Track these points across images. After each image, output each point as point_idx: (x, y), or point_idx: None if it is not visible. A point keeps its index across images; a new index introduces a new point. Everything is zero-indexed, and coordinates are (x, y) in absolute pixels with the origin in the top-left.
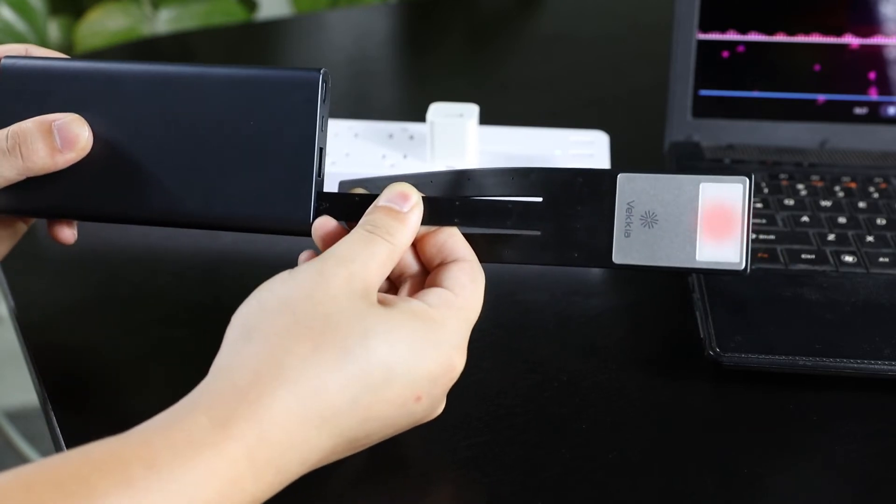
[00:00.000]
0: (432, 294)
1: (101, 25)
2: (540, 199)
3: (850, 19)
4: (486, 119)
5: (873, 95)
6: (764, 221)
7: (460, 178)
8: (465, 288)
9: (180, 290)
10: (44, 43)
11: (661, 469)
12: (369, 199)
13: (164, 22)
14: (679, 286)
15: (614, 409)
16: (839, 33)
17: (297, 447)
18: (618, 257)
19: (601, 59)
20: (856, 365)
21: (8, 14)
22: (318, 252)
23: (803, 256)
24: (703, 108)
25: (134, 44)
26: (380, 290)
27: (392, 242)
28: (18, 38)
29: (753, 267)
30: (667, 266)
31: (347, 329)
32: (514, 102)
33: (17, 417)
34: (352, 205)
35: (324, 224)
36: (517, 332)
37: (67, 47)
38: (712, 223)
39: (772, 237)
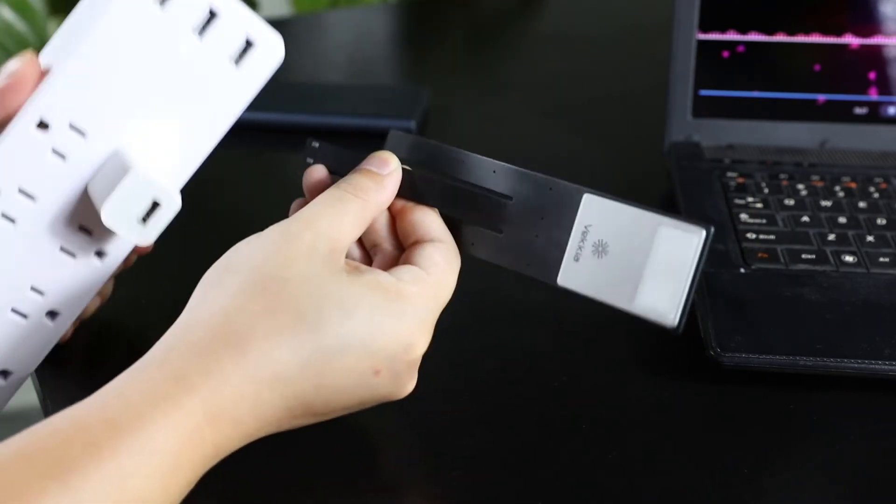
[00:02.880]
0: (403, 270)
1: None
2: (511, 200)
3: (850, 19)
4: (486, 119)
5: (873, 95)
6: (764, 221)
7: (455, 159)
8: (437, 267)
9: (181, 291)
10: (44, 43)
11: (661, 469)
12: (360, 158)
13: None
14: None
15: (614, 409)
16: (839, 33)
17: (249, 401)
18: (562, 279)
19: (601, 59)
20: (856, 365)
21: (8, 14)
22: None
23: (803, 256)
24: (703, 108)
25: None
26: (353, 258)
27: (363, 198)
28: (18, 38)
29: (754, 267)
30: (604, 301)
31: (304, 293)
32: (514, 102)
33: (17, 418)
34: (343, 160)
35: (313, 173)
36: (517, 332)
37: None
38: (658, 271)
39: (772, 237)
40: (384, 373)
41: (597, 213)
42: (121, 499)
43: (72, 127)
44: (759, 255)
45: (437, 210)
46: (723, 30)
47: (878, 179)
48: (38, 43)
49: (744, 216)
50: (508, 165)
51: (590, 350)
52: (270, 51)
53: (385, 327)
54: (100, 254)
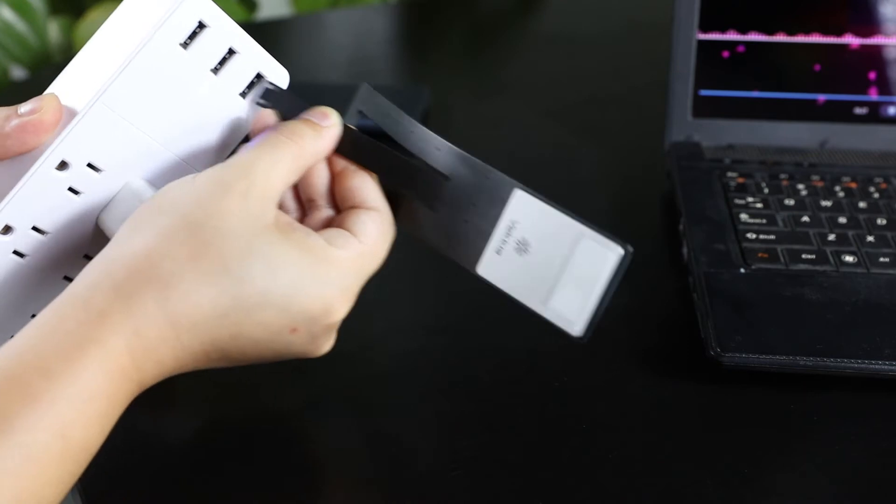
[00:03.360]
0: (335, 233)
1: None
2: (449, 180)
3: (850, 19)
4: (486, 119)
5: (873, 95)
6: (764, 221)
7: (407, 128)
8: (369, 236)
9: None
10: (44, 43)
11: (661, 469)
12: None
13: None
14: (679, 286)
15: (614, 409)
16: (839, 33)
17: (168, 343)
18: (481, 269)
19: (601, 59)
20: (856, 365)
21: (8, 14)
22: None
23: (804, 256)
24: (703, 108)
25: None
26: (288, 210)
27: (299, 144)
28: (18, 38)
29: (754, 267)
30: (517, 300)
31: (231, 245)
32: (514, 102)
33: None
34: (296, 108)
35: (261, 118)
36: (517, 331)
37: (67, 47)
38: (574, 280)
39: (772, 237)
40: (301, 331)
41: (525, 211)
42: (67, 446)
43: (89, 165)
44: (759, 255)
45: (376, 177)
46: (723, 30)
47: (878, 179)
48: (39, 43)
49: (744, 216)
50: (451, 146)
51: (590, 350)
52: (278, 82)
53: (308, 290)
54: None
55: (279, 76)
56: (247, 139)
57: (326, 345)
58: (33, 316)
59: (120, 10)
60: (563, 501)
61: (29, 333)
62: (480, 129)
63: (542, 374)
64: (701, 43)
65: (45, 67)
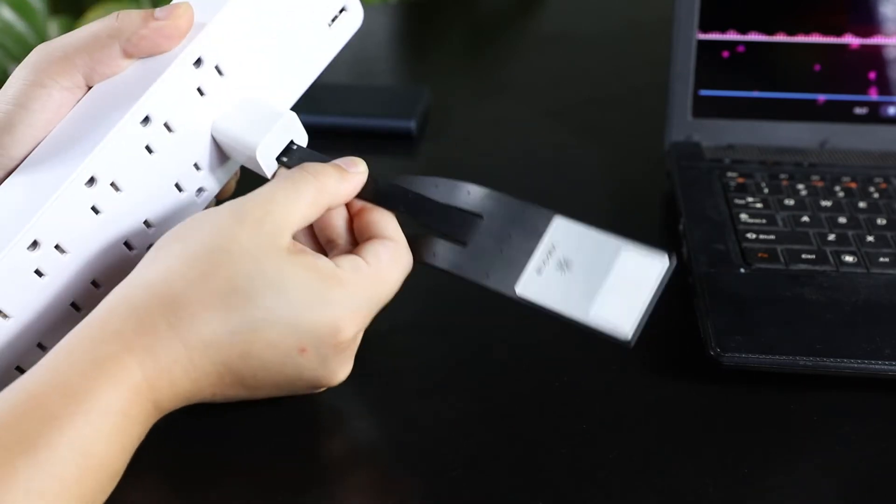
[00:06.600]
0: (345, 259)
1: None
2: (482, 218)
3: (850, 19)
4: (485, 119)
5: (873, 95)
6: (764, 221)
7: (430, 184)
8: (380, 262)
9: None
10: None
11: (661, 469)
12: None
13: None
14: (679, 286)
15: (614, 408)
16: (839, 33)
17: (181, 364)
18: (521, 289)
19: (601, 59)
20: (856, 365)
21: (8, 14)
22: None
23: (803, 256)
24: (703, 108)
25: None
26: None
27: (320, 181)
28: (18, 38)
29: (754, 267)
30: (560, 311)
31: (241, 266)
32: (514, 102)
33: None
34: (314, 160)
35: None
36: (516, 331)
37: None
38: (617, 289)
39: (772, 237)
40: (310, 353)
41: (565, 235)
42: (87, 464)
43: (216, 68)
44: (759, 255)
45: (393, 214)
46: (723, 30)
47: (878, 179)
48: (38, 43)
49: (744, 216)
50: (481, 187)
51: (590, 350)
52: (355, 16)
53: (314, 308)
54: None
55: (357, 9)
56: None
57: (341, 371)
58: (40, 345)
59: None
60: (563, 501)
61: (51, 357)
62: (480, 129)
63: (543, 375)
64: (701, 43)
65: None
